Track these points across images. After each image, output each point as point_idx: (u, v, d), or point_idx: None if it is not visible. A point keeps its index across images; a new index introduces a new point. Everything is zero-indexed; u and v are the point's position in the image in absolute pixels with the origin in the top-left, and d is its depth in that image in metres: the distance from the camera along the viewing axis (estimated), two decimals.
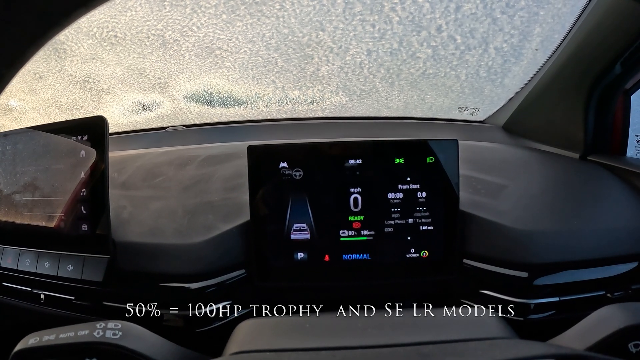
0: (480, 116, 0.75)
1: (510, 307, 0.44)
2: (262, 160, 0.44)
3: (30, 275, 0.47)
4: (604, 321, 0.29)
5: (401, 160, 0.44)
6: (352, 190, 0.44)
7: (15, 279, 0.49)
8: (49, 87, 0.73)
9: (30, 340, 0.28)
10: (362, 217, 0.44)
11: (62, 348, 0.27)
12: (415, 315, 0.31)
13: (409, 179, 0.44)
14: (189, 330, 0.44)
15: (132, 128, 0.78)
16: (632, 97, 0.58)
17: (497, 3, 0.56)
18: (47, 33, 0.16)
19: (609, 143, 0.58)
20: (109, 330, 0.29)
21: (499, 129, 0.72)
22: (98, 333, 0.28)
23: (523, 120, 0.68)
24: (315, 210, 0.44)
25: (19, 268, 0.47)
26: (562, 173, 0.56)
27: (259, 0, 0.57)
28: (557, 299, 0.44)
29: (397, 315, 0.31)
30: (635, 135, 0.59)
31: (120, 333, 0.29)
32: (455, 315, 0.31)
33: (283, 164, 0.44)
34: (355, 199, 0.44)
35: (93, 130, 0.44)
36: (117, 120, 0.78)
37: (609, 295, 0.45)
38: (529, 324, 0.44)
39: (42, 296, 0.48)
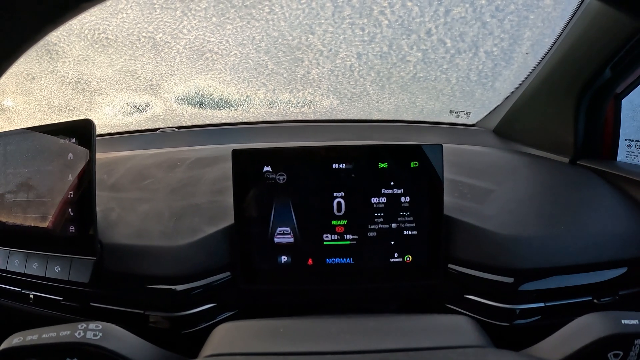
0: (471, 120, 0.75)
1: (496, 313, 0.44)
2: (246, 164, 0.44)
3: (19, 275, 0.47)
4: (583, 330, 0.29)
5: (385, 165, 0.44)
6: (335, 194, 0.44)
7: (5, 279, 0.49)
8: (42, 88, 0.73)
9: (14, 340, 0.29)
10: (345, 222, 0.44)
11: (44, 348, 0.28)
12: (390, 321, 0.31)
13: (392, 183, 0.44)
14: (174, 331, 0.45)
15: (125, 129, 0.78)
16: (622, 101, 0.57)
17: (487, 7, 0.55)
18: (41, 30, 0.16)
19: (599, 147, 0.58)
20: (90, 331, 0.29)
21: (490, 133, 0.72)
22: (79, 334, 0.29)
23: (514, 124, 0.68)
24: (298, 214, 0.44)
25: (8, 268, 0.48)
26: (551, 177, 0.56)
27: (249, 3, 0.57)
28: (542, 304, 0.44)
29: (371, 321, 0.31)
30: (626, 140, 0.59)
31: (100, 334, 0.29)
32: (431, 322, 0.31)
33: (267, 168, 0.44)
34: (339, 203, 0.44)
35: (81, 133, 0.44)
36: (110, 121, 0.79)
37: (595, 301, 0.45)
38: (514, 330, 0.43)
39: (31, 296, 0.48)
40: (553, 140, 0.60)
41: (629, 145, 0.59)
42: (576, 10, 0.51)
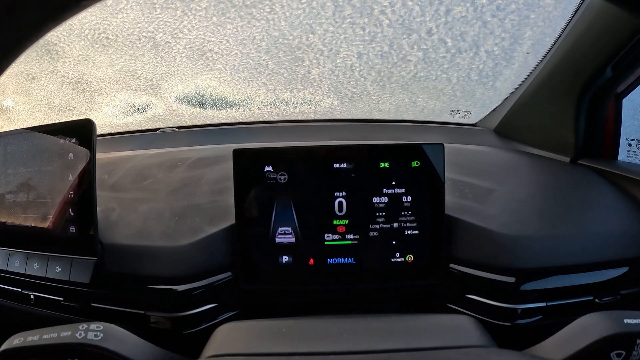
0: (472, 119, 0.75)
1: (497, 312, 0.44)
2: (247, 164, 0.44)
3: (19, 276, 0.47)
4: (585, 330, 0.28)
5: (386, 164, 0.44)
6: (336, 194, 0.44)
7: (6, 279, 0.49)
8: (42, 88, 0.73)
9: (15, 341, 0.28)
10: (346, 221, 0.44)
11: (45, 349, 0.28)
12: (392, 321, 0.31)
13: (394, 183, 0.44)
14: (175, 331, 0.44)
15: (125, 129, 0.78)
16: (623, 101, 0.57)
17: (488, 6, 0.55)
18: (41, 28, 0.16)
19: (600, 147, 0.58)
20: (91, 332, 0.29)
21: (491, 132, 0.72)
22: (80, 334, 0.29)
23: (514, 124, 0.67)
24: (299, 213, 0.44)
25: (8, 269, 0.48)
26: (552, 177, 0.55)
27: (249, 2, 0.57)
28: (544, 304, 0.44)
29: (374, 321, 0.31)
30: (627, 139, 0.59)
31: (101, 335, 0.29)
32: (434, 322, 0.31)
33: (268, 168, 0.44)
34: (340, 203, 0.44)
35: (81, 132, 0.44)
36: (110, 121, 0.79)
37: (597, 300, 0.45)
38: (516, 330, 0.43)
39: (32, 297, 0.48)
40: (554, 140, 0.60)
41: (629, 145, 0.59)
42: (577, 10, 0.51)
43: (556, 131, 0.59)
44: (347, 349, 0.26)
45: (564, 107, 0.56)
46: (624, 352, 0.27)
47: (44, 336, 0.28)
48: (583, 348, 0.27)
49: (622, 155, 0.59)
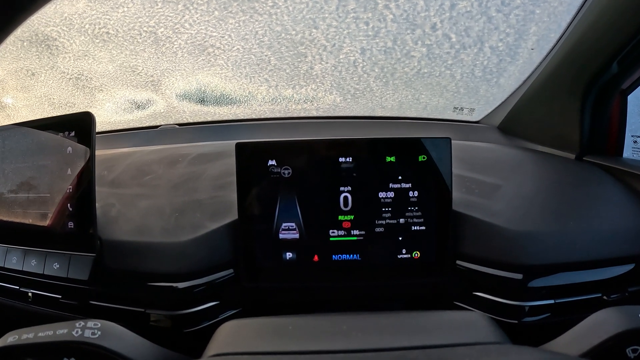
0: (476, 116, 0.74)
1: (505, 310, 0.43)
2: (250, 158, 0.43)
3: (17, 273, 0.46)
4: (600, 325, 0.28)
5: (392, 159, 0.43)
6: (342, 189, 0.43)
7: (3, 277, 0.48)
8: (42, 84, 0.72)
9: (9, 339, 0.27)
10: (352, 217, 0.43)
11: (40, 347, 0.27)
12: (402, 318, 0.30)
13: (400, 177, 0.43)
14: (176, 330, 0.44)
15: (125, 126, 0.77)
16: (628, 97, 0.57)
17: (492, 1, 0.55)
18: (15, 19, 0.16)
19: (605, 143, 0.58)
20: (88, 330, 0.28)
21: (495, 130, 0.71)
22: (77, 332, 0.28)
23: (519, 121, 0.67)
24: (304, 209, 0.43)
25: (6, 266, 0.47)
26: (558, 174, 0.55)
27: None
28: (552, 301, 0.43)
29: (383, 318, 0.30)
30: (632, 136, 0.58)
31: (99, 333, 0.28)
32: (445, 318, 0.30)
33: (272, 162, 0.43)
34: (345, 198, 0.43)
35: (80, 126, 0.43)
36: (110, 118, 0.78)
37: (605, 297, 0.44)
38: (524, 327, 0.43)
39: (29, 294, 0.47)
40: (559, 137, 0.60)
41: (635, 142, 0.59)
42: (582, 5, 0.51)
43: (561, 128, 0.59)
44: (357, 347, 0.25)
45: (569, 103, 0.56)
46: (639, 348, 0.26)
47: (40, 334, 0.27)
48: (599, 344, 0.27)
49: (628, 152, 0.59)
